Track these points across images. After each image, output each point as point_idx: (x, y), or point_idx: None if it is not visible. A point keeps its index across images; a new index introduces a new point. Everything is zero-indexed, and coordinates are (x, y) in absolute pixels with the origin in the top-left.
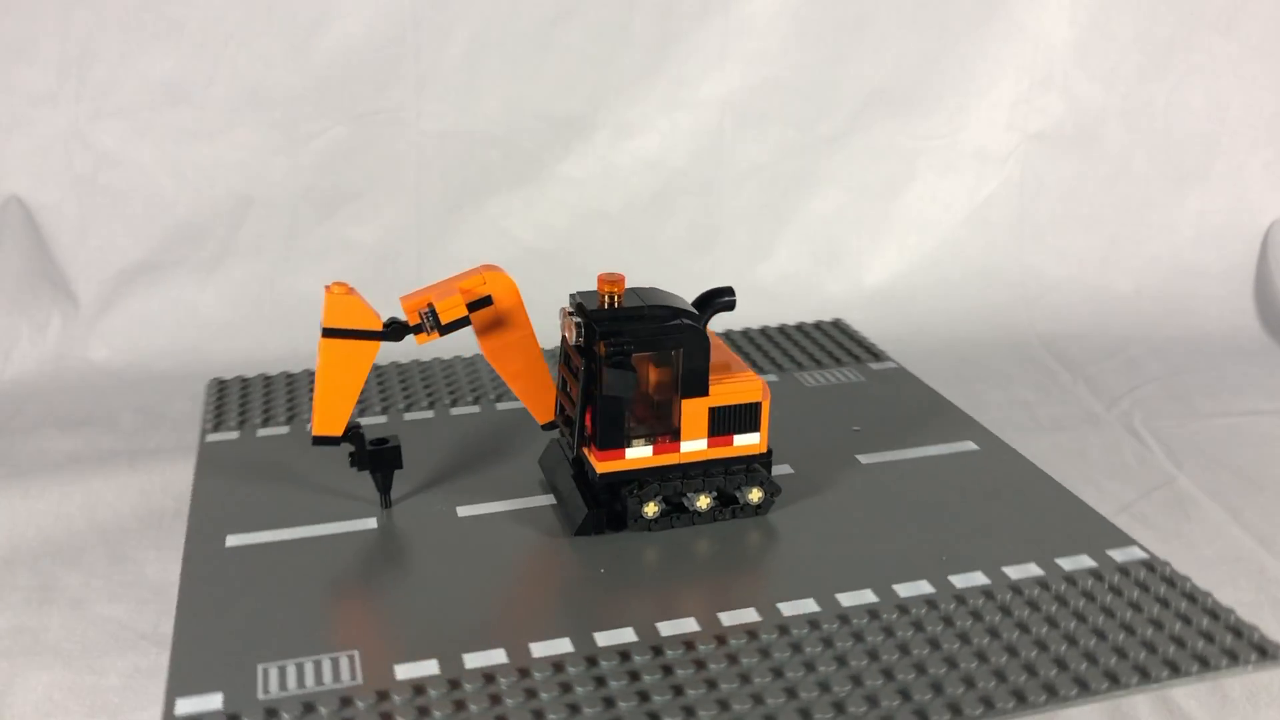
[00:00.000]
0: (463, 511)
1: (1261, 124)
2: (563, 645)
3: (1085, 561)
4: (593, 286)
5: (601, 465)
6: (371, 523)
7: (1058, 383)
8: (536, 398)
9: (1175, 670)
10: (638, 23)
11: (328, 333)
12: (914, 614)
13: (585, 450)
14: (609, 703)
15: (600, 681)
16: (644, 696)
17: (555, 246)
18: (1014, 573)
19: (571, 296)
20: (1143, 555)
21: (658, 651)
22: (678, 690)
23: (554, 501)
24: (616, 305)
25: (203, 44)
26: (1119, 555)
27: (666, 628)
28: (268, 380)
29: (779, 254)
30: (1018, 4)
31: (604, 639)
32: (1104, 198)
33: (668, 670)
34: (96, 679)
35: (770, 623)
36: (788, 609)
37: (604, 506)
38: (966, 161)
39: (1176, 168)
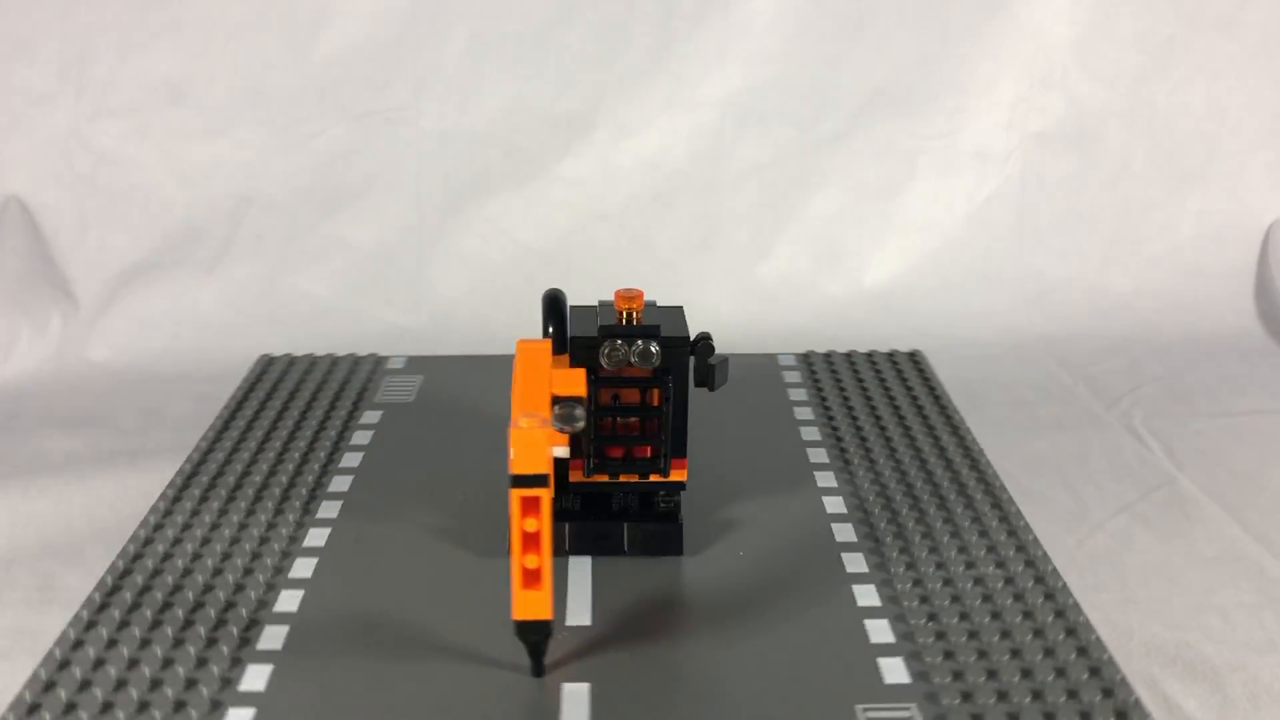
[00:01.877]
0: (574, 620)
1: (1261, 124)
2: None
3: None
4: (591, 287)
5: (685, 471)
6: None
7: (1058, 383)
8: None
9: None
10: (638, 23)
11: (543, 479)
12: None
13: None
14: None
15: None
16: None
17: (555, 246)
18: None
19: (584, 339)
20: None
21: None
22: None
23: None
24: (636, 320)
25: (203, 44)
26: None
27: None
28: None
29: (779, 254)
30: (1018, 4)
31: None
32: (1104, 198)
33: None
34: None
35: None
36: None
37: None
38: (967, 161)
39: (1176, 168)
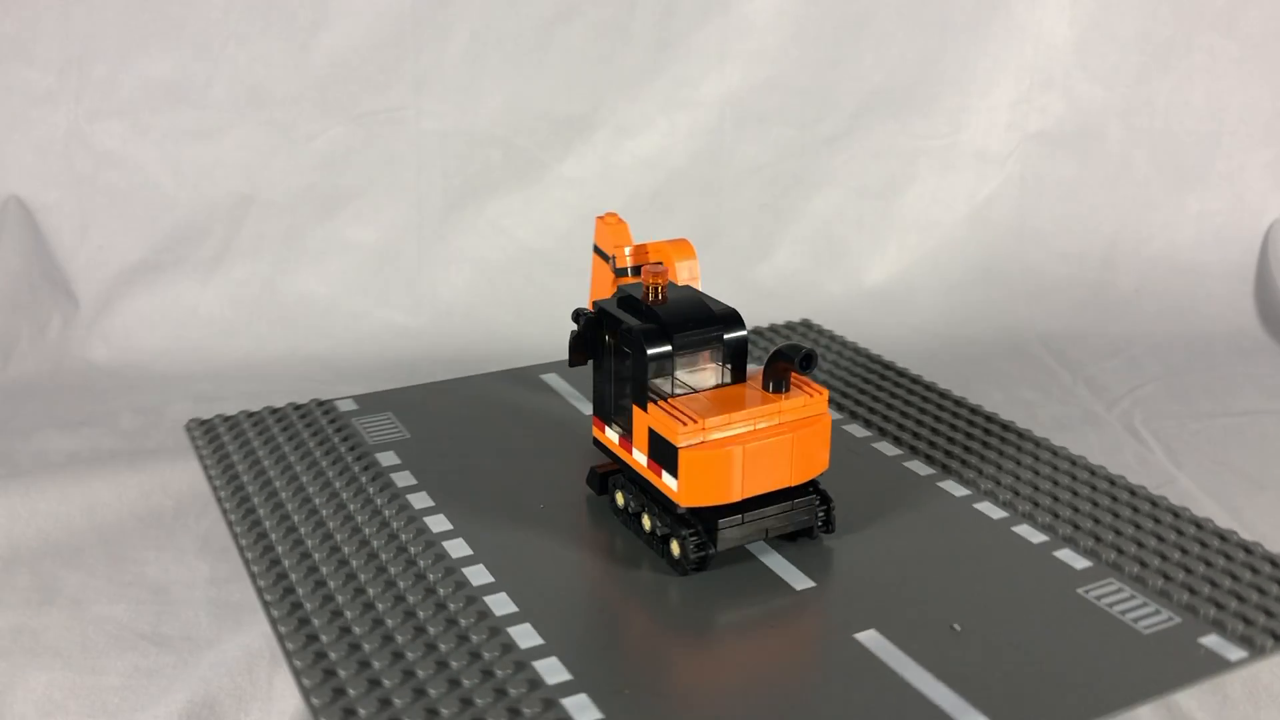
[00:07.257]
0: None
1: (1261, 124)
2: None
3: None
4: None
5: None
6: None
7: (1058, 383)
8: None
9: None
10: (638, 23)
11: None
12: None
13: None
14: None
15: None
16: None
17: (555, 246)
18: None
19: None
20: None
21: None
22: None
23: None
24: (664, 296)
25: (203, 44)
26: None
27: None
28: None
29: (779, 254)
30: (1018, 4)
31: None
32: (1104, 198)
33: None
34: (96, 679)
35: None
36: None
37: None
38: (966, 161)
39: (1176, 168)
